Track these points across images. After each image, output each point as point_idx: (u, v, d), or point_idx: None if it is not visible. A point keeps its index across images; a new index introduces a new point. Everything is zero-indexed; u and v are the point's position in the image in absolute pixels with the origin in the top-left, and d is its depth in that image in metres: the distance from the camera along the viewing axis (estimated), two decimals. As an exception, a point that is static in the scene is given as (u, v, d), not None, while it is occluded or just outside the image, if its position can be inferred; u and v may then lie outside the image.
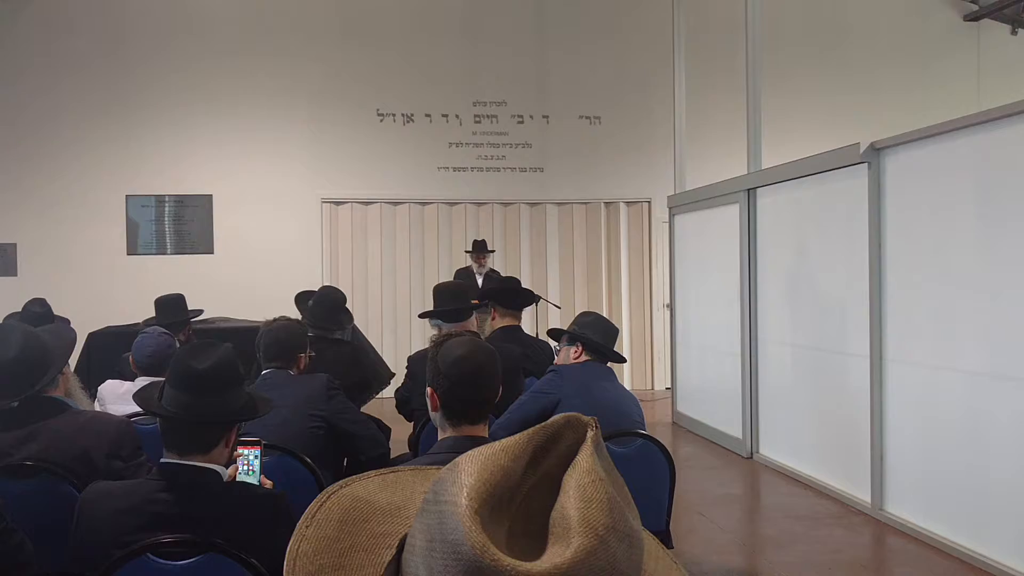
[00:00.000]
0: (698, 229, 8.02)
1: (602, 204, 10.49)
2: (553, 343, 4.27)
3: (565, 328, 3.88)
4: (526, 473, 0.70)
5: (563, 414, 0.74)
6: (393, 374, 5.98)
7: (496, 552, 0.64)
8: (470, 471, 0.68)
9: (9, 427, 2.63)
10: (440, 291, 4.37)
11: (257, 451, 2.44)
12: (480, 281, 8.32)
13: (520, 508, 0.69)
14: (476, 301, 4.83)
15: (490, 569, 0.63)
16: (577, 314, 4.00)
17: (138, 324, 5.34)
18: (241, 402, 2.23)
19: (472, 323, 4.28)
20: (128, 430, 2.79)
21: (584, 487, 0.69)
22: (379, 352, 7.12)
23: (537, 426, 0.73)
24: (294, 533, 0.79)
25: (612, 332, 3.75)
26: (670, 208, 8.60)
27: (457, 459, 0.70)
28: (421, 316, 4.64)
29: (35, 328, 2.98)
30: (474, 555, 0.64)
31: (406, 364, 4.34)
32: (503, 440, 0.71)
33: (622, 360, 3.96)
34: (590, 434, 0.73)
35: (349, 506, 0.81)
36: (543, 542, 0.68)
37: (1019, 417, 4.15)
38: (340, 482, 0.85)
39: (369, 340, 6.93)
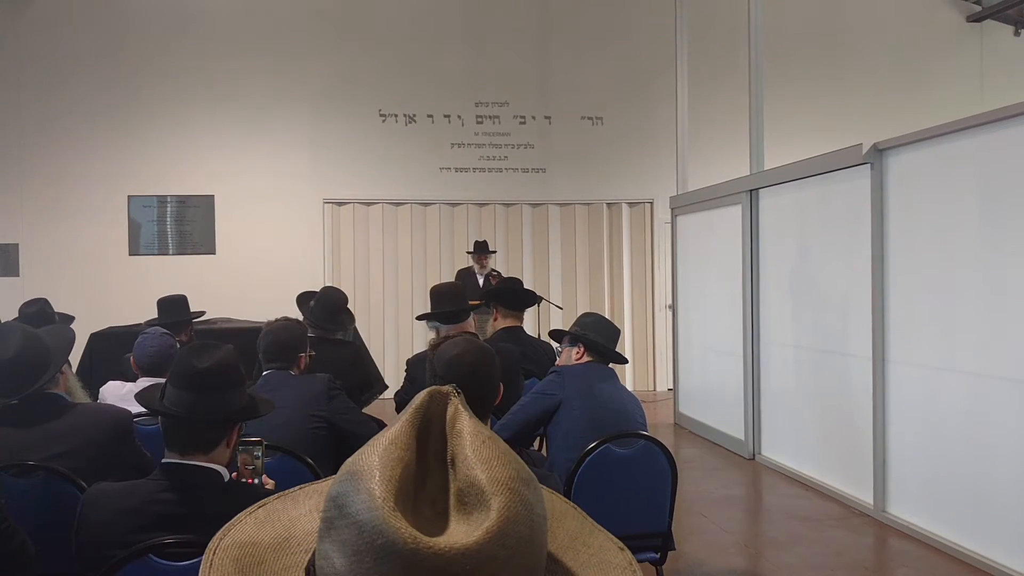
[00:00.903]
0: (700, 230, 8.01)
1: (604, 205, 10.48)
2: (555, 344, 4.26)
3: (567, 329, 3.88)
4: (419, 458, 0.72)
5: (425, 390, 0.76)
6: (387, 386, 5.96)
7: (430, 540, 0.65)
8: (371, 475, 0.68)
9: (15, 424, 2.66)
10: (437, 293, 4.33)
11: (259, 451, 2.43)
12: (481, 282, 8.31)
13: (422, 493, 0.71)
14: (477, 302, 4.82)
15: (430, 556, 0.64)
16: (579, 315, 3.99)
17: (140, 325, 5.34)
18: (243, 402, 2.24)
19: (470, 324, 4.25)
20: (129, 417, 2.87)
21: (478, 449, 0.71)
22: (379, 356, 7.11)
23: (409, 409, 0.74)
24: None
25: (614, 333, 3.75)
26: (672, 209, 8.59)
27: (349, 469, 0.70)
28: (418, 319, 4.62)
29: (35, 328, 2.99)
30: (409, 549, 0.64)
31: (405, 367, 4.32)
32: (388, 433, 0.72)
33: (624, 361, 3.94)
34: (455, 401, 0.75)
35: (238, 555, 0.79)
36: (455, 518, 0.69)
37: (1022, 418, 4.14)
38: (217, 535, 0.83)
39: (369, 343, 6.93)
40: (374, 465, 0.69)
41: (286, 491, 0.87)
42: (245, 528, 0.83)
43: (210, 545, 0.81)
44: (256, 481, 2.37)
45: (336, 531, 0.68)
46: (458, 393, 0.75)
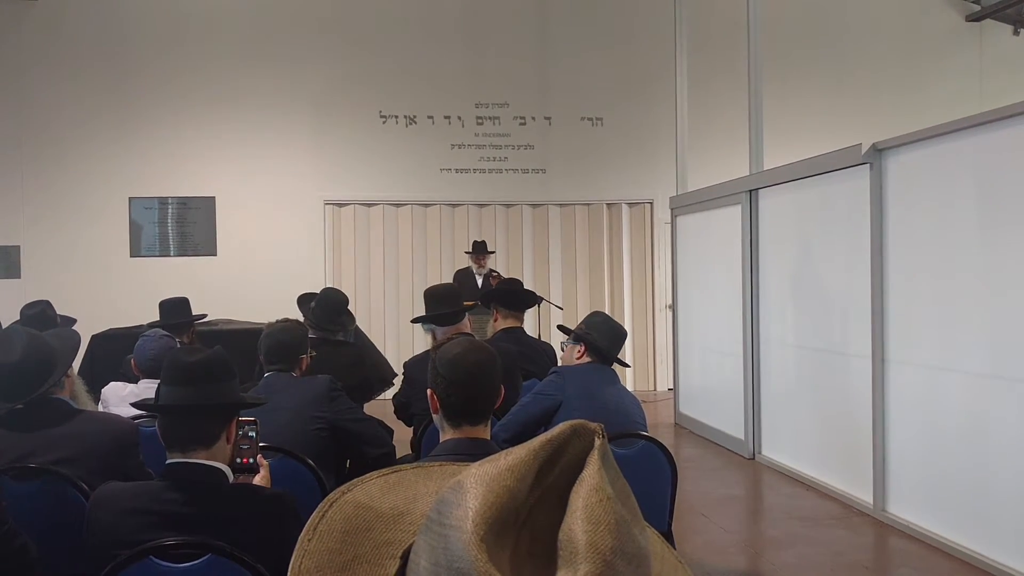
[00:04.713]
0: (700, 230, 8.02)
1: (604, 205, 10.49)
2: (563, 335, 4.24)
3: (576, 326, 3.86)
4: (532, 490, 0.68)
5: (569, 422, 0.72)
6: (396, 375, 5.98)
7: None
8: (476, 493, 0.66)
9: (20, 429, 2.65)
10: (431, 295, 4.31)
11: (253, 431, 2.42)
12: (480, 282, 8.31)
13: (525, 526, 0.68)
14: (472, 303, 4.81)
15: None
16: (588, 313, 3.98)
17: (141, 326, 5.35)
18: (236, 395, 2.28)
19: (465, 325, 4.24)
20: (135, 431, 2.84)
21: (591, 507, 0.67)
22: (382, 353, 7.13)
23: (543, 439, 0.70)
24: (296, 547, 0.77)
25: (619, 336, 3.73)
26: (672, 209, 8.60)
27: (461, 479, 0.68)
28: (413, 322, 4.61)
29: (40, 331, 2.99)
30: None
31: (402, 370, 4.31)
32: (508, 458, 0.69)
33: (625, 365, 3.94)
34: (597, 443, 0.71)
35: (351, 514, 0.79)
36: (549, 564, 0.66)
37: (1022, 418, 4.15)
38: (342, 487, 0.82)
39: (371, 341, 6.94)
40: (482, 483, 0.66)
41: (425, 462, 0.85)
42: (370, 489, 0.82)
43: (330, 496, 0.81)
44: (251, 461, 2.37)
45: (430, 534, 0.67)
46: (603, 435, 0.71)
